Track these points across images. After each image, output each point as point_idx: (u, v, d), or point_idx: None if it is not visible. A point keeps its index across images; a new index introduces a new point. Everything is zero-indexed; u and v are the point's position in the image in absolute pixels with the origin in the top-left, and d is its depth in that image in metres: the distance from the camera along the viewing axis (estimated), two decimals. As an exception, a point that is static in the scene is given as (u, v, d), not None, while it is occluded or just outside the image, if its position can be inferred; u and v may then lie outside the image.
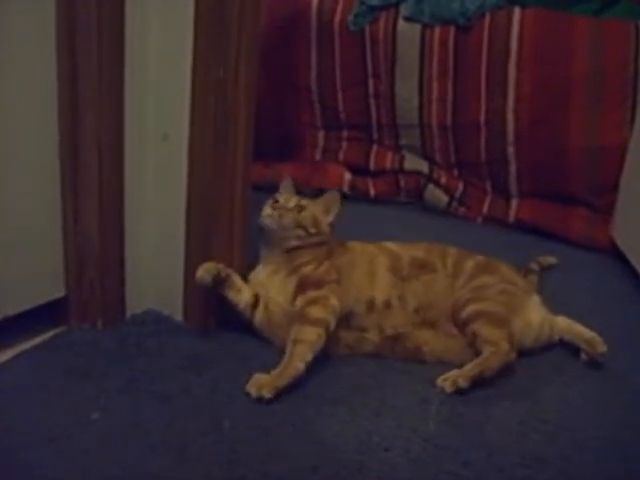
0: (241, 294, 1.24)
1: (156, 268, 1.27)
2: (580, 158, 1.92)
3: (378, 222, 1.95)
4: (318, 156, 2.31)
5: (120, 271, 1.25)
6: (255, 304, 1.24)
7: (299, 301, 1.20)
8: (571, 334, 1.29)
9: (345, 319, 1.22)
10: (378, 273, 1.28)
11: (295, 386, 1.10)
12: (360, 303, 1.24)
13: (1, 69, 1.06)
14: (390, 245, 1.35)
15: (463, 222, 2.09)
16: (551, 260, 1.65)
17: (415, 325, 1.24)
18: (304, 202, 1.30)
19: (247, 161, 1.26)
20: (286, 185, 1.36)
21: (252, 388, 1.08)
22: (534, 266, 1.55)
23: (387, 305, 1.25)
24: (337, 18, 2.16)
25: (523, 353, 1.23)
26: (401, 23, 2.09)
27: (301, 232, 1.27)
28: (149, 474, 0.92)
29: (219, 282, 1.22)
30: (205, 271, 1.20)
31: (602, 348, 1.24)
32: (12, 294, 1.16)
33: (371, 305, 1.24)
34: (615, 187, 1.85)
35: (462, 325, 1.23)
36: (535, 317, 1.28)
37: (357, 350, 1.24)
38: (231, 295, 1.23)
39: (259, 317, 1.24)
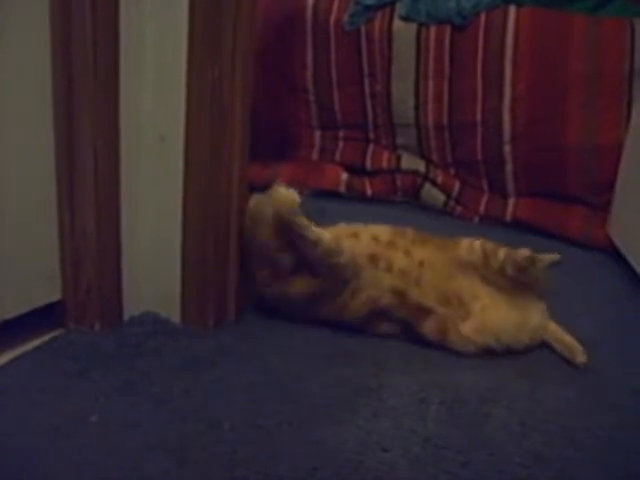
0: None
1: (153, 270, 1.27)
2: (577, 156, 1.92)
3: (375, 222, 1.95)
4: (315, 156, 2.31)
5: (117, 273, 1.25)
6: None
7: None
8: (554, 339, 1.28)
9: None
10: (377, 228, 1.31)
11: (294, 386, 1.11)
12: (367, 237, 1.27)
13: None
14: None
15: (460, 221, 2.09)
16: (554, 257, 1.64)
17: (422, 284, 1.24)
18: None
19: (243, 161, 1.26)
20: None
21: None
22: None
23: (391, 244, 1.26)
24: (333, 18, 2.16)
25: (519, 352, 1.23)
26: (397, 22, 2.08)
27: None
28: (148, 476, 0.91)
29: None
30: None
31: (581, 358, 1.23)
32: (9, 298, 1.15)
33: (376, 238, 1.26)
34: (612, 185, 1.85)
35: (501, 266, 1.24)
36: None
37: (374, 305, 1.24)
38: None
39: None
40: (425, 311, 1.24)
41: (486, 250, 1.26)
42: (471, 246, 1.28)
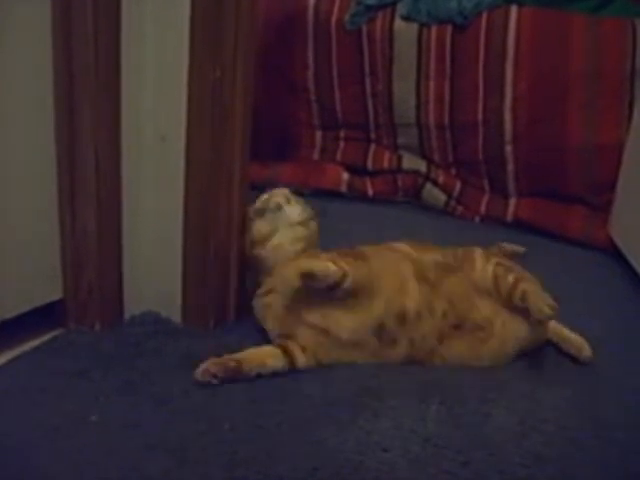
0: None
1: (154, 270, 1.27)
2: (578, 156, 1.92)
3: (376, 222, 1.95)
4: (316, 156, 2.30)
5: (118, 273, 1.25)
6: None
7: None
8: (557, 336, 1.29)
9: (376, 332, 1.18)
10: (407, 283, 1.22)
11: (294, 387, 1.11)
12: (390, 316, 1.18)
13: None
14: (405, 248, 1.31)
15: (461, 221, 2.09)
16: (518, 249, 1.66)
17: (443, 334, 1.21)
18: None
19: (244, 161, 1.26)
20: None
21: None
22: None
23: (418, 316, 1.20)
24: (334, 17, 2.16)
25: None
26: (398, 22, 2.08)
27: None
28: (148, 476, 0.91)
29: None
30: None
31: (587, 352, 1.24)
32: (10, 297, 1.16)
33: (402, 317, 1.19)
34: (613, 185, 1.85)
35: (509, 293, 1.21)
36: None
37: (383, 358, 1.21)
38: None
39: None
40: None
41: (497, 275, 1.24)
42: (485, 269, 1.26)
